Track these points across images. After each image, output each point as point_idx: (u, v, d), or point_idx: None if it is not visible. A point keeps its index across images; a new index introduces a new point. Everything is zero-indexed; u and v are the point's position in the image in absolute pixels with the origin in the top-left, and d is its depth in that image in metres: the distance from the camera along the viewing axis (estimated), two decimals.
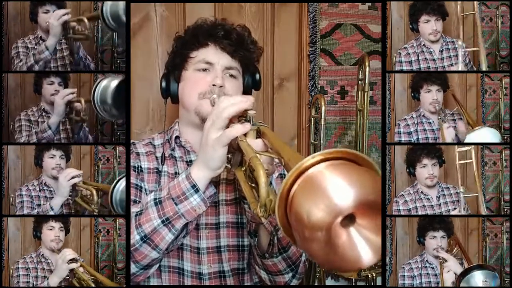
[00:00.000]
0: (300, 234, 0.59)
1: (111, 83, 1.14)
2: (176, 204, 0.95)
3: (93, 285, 1.12)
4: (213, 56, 1.16)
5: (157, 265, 1.06)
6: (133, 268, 1.01)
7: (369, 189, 0.57)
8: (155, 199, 0.98)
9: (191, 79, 1.17)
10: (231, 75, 1.18)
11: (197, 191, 0.94)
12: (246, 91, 1.25)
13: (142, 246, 0.98)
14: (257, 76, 1.25)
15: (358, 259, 0.61)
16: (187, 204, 0.95)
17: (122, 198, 1.12)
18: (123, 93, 1.14)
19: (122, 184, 1.13)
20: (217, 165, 0.92)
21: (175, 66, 1.21)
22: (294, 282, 1.12)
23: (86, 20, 1.17)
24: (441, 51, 1.30)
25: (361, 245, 0.61)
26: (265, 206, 0.68)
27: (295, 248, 1.08)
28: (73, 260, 1.15)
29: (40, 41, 1.26)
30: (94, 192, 1.15)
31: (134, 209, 1.02)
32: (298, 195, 0.60)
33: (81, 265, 1.17)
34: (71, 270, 1.15)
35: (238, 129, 0.86)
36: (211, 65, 1.16)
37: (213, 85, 1.13)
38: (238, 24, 1.25)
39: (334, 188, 0.57)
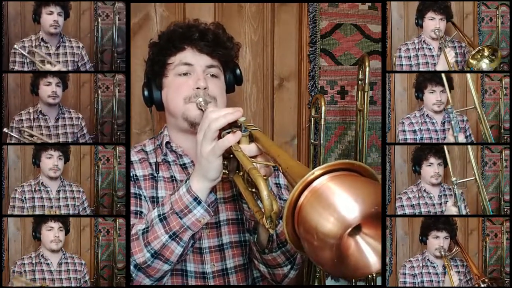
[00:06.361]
0: (310, 245, 0.62)
1: None
2: (181, 218, 0.96)
3: None
4: (192, 58, 1.16)
5: (169, 273, 1.07)
6: (147, 282, 1.03)
7: (374, 201, 0.60)
8: (159, 215, 0.99)
9: (173, 85, 1.17)
10: (213, 75, 1.18)
11: (199, 203, 0.96)
12: (229, 88, 1.25)
13: (154, 262, 0.99)
14: (238, 71, 1.25)
15: (368, 265, 0.65)
16: (191, 216, 0.96)
17: None
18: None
19: None
20: (215, 176, 0.94)
21: (154, 74, 1.20)
22: (292, 273, 1.14)
23: None
24: (440, 48, 1.31)
25: (368, 252, 0.64)
26: (270, 218, 0.71)
27: None
28: None
29: (42, 43, 1.26)
30: None
31: (139, 226, 1.03)
32: (306, 209, 0.62)
33: None
34: None
35: (229, 139, 0.88)
36: (191, 67, 1.16)
37: (197, 88, 1.13)
38: (212, 22, 1.26)
39: (342, 202, 0.60)
